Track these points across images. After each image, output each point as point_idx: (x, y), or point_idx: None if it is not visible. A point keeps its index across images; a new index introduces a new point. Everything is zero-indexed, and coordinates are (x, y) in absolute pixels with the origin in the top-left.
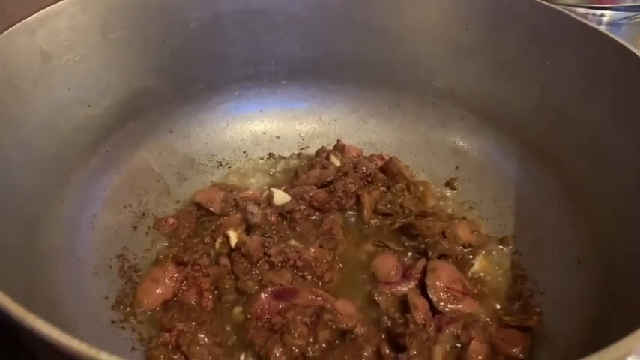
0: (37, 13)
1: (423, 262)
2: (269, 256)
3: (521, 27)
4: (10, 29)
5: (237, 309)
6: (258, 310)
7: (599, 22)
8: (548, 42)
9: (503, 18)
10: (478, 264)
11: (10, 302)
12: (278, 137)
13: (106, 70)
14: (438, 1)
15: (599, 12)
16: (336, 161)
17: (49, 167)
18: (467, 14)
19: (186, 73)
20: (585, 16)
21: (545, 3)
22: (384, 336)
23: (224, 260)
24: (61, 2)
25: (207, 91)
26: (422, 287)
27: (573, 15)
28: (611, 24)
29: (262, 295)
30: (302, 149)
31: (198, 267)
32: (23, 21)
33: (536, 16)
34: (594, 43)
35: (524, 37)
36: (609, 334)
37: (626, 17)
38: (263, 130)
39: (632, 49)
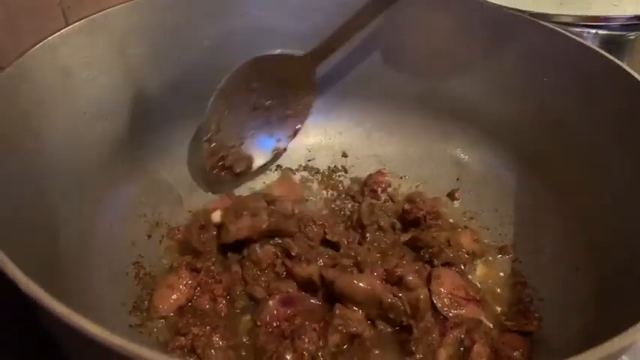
0: (60, 32)
1: (427, 269)
2: (274, 266)
3: (519, 45)
4: (33, 48)
5: (248, 316)
6: (267, 317)
7: (594, 40)
8: (545, 59)
9: (502, 36)
10: (480, 271)
11: (50, 299)
12: (285, 149)
13: (123, 85)
14: (441, 18)
15: (593, 30)
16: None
17: (68, 177)
18: (468, 32)
19: (199, 87)
20: (580, 34)
21: (541, 22)
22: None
23: (235, 267)
24: (82, 20)
25: None
26: None
27: (569, 34)
28: (606, 41)
29: (270, 303)
30: (309, 161)
31: (211, 274)
32: (46, 39)
33: (533, 35)
34: (589, 61)
35: (523, 55)
36: (606, 338)
37: (620, 35)
38: None
39: (624, 66)
